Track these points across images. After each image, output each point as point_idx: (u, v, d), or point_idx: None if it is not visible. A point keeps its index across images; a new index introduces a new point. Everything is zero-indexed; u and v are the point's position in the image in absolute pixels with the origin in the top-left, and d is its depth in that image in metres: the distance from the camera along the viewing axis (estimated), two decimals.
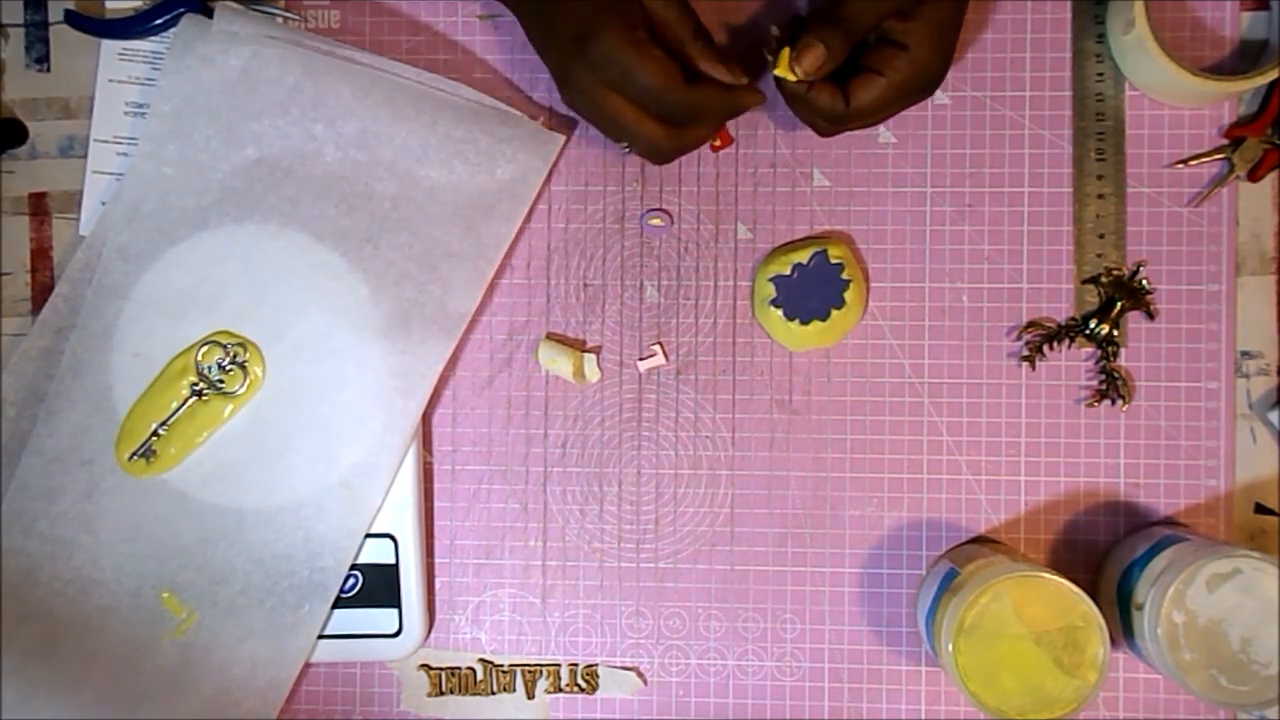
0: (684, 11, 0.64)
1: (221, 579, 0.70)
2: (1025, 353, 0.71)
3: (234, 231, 0.70)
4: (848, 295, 0.70)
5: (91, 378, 0.70)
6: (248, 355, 0.70)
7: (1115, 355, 0.71)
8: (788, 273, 0.70)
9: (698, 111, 0.64)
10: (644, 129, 0.64)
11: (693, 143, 0.67)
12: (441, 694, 0.73)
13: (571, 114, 0.72)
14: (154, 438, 0.70)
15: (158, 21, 0.71)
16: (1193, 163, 0.70)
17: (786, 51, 0.63)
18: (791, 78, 0.63)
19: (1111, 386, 0.70)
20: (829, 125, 0.66)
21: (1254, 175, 0.70)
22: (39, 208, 0.74)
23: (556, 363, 0.72)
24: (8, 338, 0.74)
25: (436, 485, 0.73)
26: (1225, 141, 0.70)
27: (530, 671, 0.72)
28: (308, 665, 0.72)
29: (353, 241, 0.70)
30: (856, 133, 0.71)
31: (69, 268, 0.71)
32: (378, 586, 0.71)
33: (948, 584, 0.65)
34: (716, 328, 0.72)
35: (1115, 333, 0.70)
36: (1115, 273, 0.71)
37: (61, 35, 0.73)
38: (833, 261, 0.70)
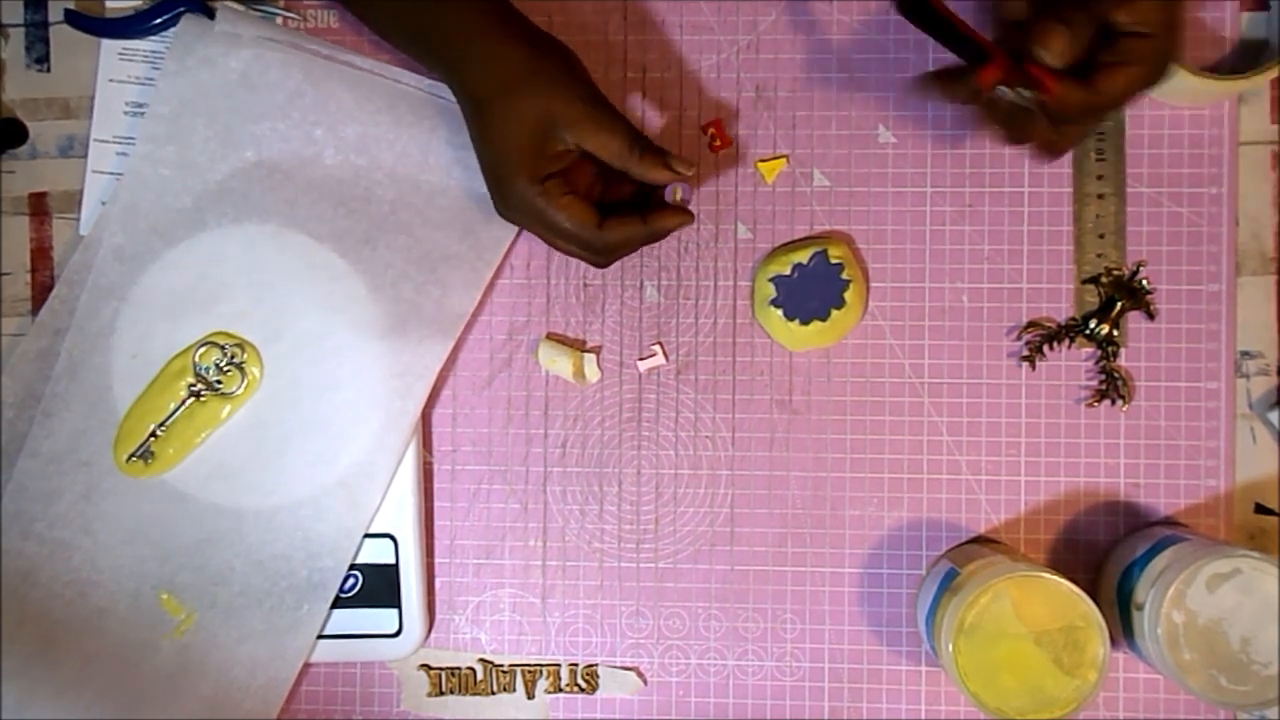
0: (614, 132, 0.64)
1: (220, 580, 0.70)
2: (1025, 353, 0.71)
3: (231, 232, 0.70)
4: (848, 295, 0.70)
5: (89, 379, 0.70)
6: (245, 356, 0.70)
7: (1115, 355, 0.70)
8: (788, 273, 0.70)
9: (618, 245, 0.66)
10: (574, 253, 0.66)
11: (626, 254, 0.68)
12: (441, 694, 0.73)
13: None
14: (152, 439, 0.70)
15: (158, 21, 0.71)
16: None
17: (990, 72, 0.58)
18: (1052, 63, 0.58)
19: (1111, 386, 0.70)
20: (1066, 139, 0.62)
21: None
22: (39, 208, 0.74)
23: (556, 363, 0.72)
24: (8, 338, 0.74)
25: (436, 485, 0.73)
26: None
27: (530, 671, 0.72)
28: (308, 665, 0.72)
29: (351, 242, 0.70)
30: (856, 132, 0.71)
31: (67, 269, 0.71)
32: (378, 586, 0.71)
33: (948, 584, 0.65)
34: (716, 328, 0.72)
35: (1115, 333, 0.70)
36: (1115, 273, 0.71)
37: (61, 35, 0.73)
38: (833, 261, 0.70)
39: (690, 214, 0.67)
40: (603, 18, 0.72)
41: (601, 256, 0.66)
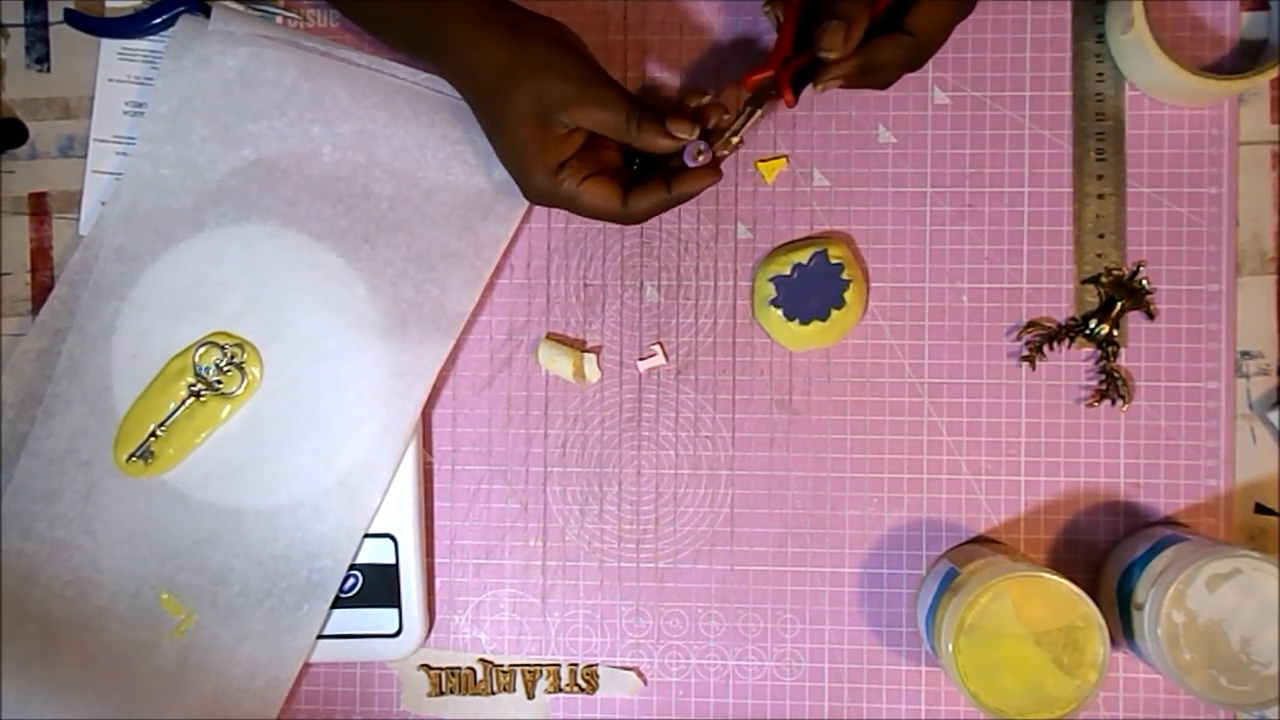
0: (609, 107, 0.63)
1: (220, 580, 0.70)
2: (1025, 353, 0.71)
3: (231, 232, 0.70)
4: (848, 295, 0.70)
5: (89, 379, 0.70)
6: (245, 356, 0.70)
7: (1115, 355, 0.70)
8: (788, 273, 0.70)
9: (646, 214, 0.65)
10: (612, 221, 0.66)
11: (662, 212, 0.66)
12: (441, 694, 0.73)
13: None
14: (152, 439, 0.70)
15: (157, 21, 0.71)
16: (735, 139, 0.65)
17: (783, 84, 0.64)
18: (834, 56, 0.61)
19: (1111, 386, 0.70)
20: (905, 70, 0.64)
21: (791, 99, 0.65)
22: (39, 208, 0.74)
23: (556, 363, 0.72)
24: (7, 338, 0.74)
25: (436, 485, 0.73)
26: (749, 96, 0.65)
27: (530, 671, 0.72)
28: (308, 665, 0.72)
29: (350, 241, 0.70)
30: (856, 132, 0.71)
31: (67, 269, 0.71)
32: (378, 586, 0.71)
33: (948, 584, 0.65)
34: (716, 328, 0.72)
35: (1115, 333, 0.70)
36: (1115, 273, 0.71)
37: (61, 35, 0.73)
38: (833, 261, 0.70)
39: (717, 172, 0.64)
40: (603, 18, 0.72)
41: (641, 219, 0.66)
